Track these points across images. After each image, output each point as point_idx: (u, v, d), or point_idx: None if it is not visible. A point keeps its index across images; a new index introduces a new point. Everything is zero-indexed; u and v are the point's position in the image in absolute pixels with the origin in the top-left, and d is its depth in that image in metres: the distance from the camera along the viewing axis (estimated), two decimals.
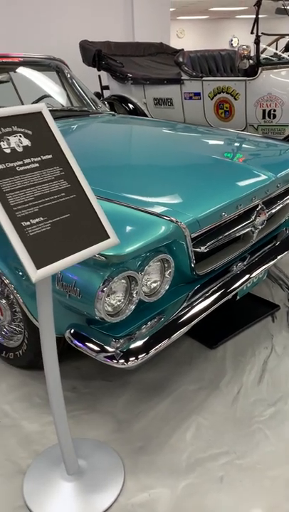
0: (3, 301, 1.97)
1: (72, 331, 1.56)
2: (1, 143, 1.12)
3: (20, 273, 1.65)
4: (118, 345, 1.50)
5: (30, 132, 1.19)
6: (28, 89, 3.37)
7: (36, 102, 3.22)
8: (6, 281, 1.71)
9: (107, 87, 5.40)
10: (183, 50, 5.26)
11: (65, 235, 1.16)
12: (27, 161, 1.16)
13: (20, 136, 1.17)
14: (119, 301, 1.50)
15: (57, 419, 1.41)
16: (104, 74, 5.40)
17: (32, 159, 1.17)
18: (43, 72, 3.35)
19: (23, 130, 1.18)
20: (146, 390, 1.94)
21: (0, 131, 1.13)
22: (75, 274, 1.45)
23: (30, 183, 1.14)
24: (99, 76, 5.36)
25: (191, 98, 4.50)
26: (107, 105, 3.88)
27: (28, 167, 1.15)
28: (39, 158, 1.18)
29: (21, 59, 3.26)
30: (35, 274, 1.06)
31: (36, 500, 1.44)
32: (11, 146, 1.14)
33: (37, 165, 1.18)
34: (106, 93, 5.55)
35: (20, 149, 1.16)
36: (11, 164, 1.12)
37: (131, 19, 6.52)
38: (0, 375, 2.02)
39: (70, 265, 1.14)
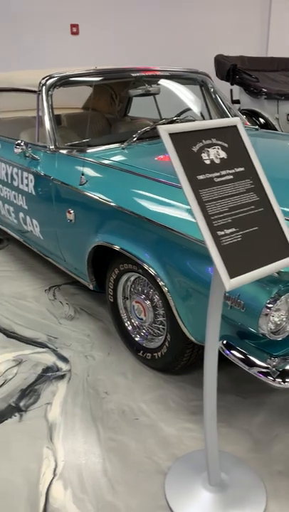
0: (148, 303, 2.05)
1: (225, 342, 1.57)
2: (202, 154, 1.17)
3: (180, 277, 1.70)
4: (274, 363, 1.47)
5: (226, 145, 1.22)
6: (171, 102, 3.50)
7: (179, 115, 3.32)
8: (161, 283, 1.77)
9: (237, 101, 5.40)
10: None
11: (253, 248, 1.17)
12: (223, 172, 1.19)
13: (218, 148, 1.21)
14: (282, 319, 1.47)
15: (208, 428, 1.42)
16: (235, 88, 5.42)
17: (227, 171, 1.20)
18: (186, 86, 3.46)
19: (220, 143, 1.22)
20: (282, 412, 1.88)
21: (201, 143, 1.18)
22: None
23: (224, 194, 1.17)
24: (231, 90, 5.38)
25: None
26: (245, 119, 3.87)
27: (223, 178, 1.19)
28: (233, 171, 1.21)
29: (167, 72, 3.39)
30: (228, 283, 1.09)
31: (178, 504, 1.47)
32: (210, 157, 1.19)
33: (231, 177, 1.21)
34: (235, 107, 5.56)
35: (217, 161, 1.20)
36: (210, 175, 1.17)
37: (266, 34, 6.46)
38: (136, 374, 2.10)
39: (258, 278, 1.15)
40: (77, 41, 6.00)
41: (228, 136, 1.24)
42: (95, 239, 2.14)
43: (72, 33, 6.03)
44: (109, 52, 5.96)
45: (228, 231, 1.14)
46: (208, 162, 1.17)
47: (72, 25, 6.00)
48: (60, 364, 2.19)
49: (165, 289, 1.78)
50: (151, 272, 1.82)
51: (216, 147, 1.20)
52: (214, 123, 1.23)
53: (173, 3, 6.21)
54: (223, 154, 1.21)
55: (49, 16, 5.79)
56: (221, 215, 1.15)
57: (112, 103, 4.49)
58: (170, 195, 1.84)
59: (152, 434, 1.77)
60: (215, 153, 1.20)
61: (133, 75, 3.06)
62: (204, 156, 1.17)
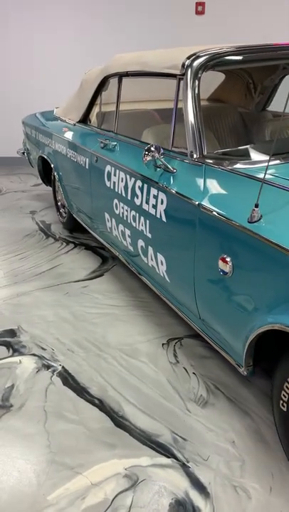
0: None
1: None
2: None
3: None
4: None
5: None
6: None
7: None
8: None
9: None
10: None
11: None
12: None
13: None
14: None
15: None
16: None
17: None
18: None
19: None
20: None
21: None
22: None
23: None
24: None
25: None
26: None
27: None
28: None
29: None
30: None
31: None
32: None
33: None
34: None
35: None
36: None
37: None
38: None
39: None
40: (202, 21, 5.16)
41: None
42: (266, 317, 1.32)
43: (198, 13, 5.20)
44: (238, 33, 5.04)
45: None
46: None
47: (198, 4, 5.18)
48: (197, 498, 1.41)
49: None
50: None
51: None
52: None
53: None
54: None
55: None
56: None
57: (246, 94, 3.61)
58: None
59: None
60: None
61: None
62: None
